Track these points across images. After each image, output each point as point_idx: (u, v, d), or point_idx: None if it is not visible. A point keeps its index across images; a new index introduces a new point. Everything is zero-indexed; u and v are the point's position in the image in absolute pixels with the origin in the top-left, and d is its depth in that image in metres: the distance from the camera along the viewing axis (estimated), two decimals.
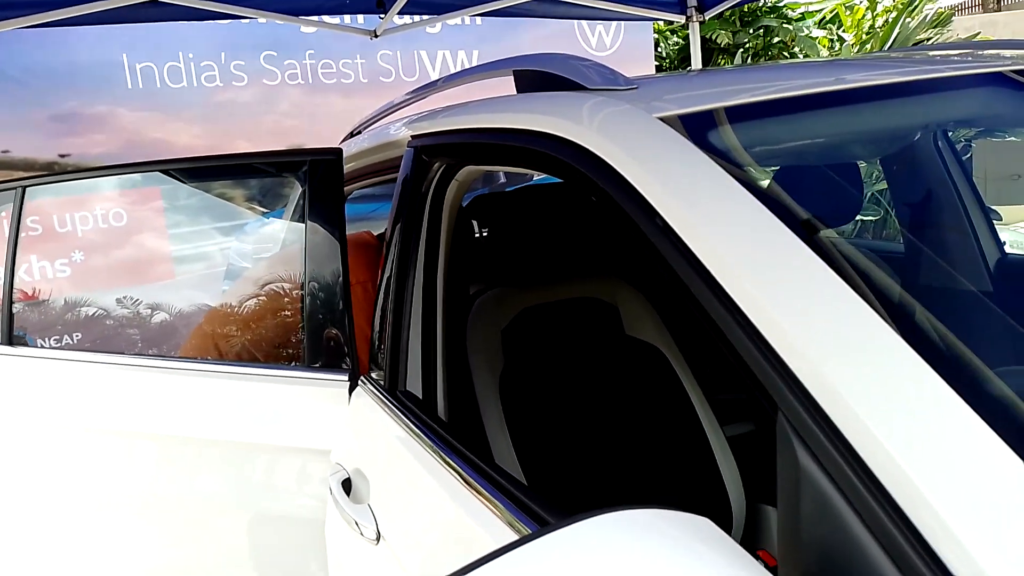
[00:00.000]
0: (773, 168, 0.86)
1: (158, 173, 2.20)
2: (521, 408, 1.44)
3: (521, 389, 1.46)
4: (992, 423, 0.48)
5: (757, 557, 1.52)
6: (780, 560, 0.53)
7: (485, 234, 2.67)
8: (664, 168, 0.74)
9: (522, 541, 0.49)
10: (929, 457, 0.48)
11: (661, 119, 0.80)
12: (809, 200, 0.73)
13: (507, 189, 3.80)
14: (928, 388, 0.51)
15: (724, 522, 1.49)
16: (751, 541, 1.54)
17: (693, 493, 1.51)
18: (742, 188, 0.67)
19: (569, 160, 0.87)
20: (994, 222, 1.58)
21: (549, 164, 0.96)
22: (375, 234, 2.54)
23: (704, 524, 0.51)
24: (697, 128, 0.79)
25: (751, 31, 6.85)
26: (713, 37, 6.74)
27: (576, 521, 0.50)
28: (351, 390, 1.35)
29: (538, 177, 4.16)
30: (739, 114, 0.84)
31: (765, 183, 0.67)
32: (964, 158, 1.59)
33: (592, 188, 0.83)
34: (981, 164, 1.69)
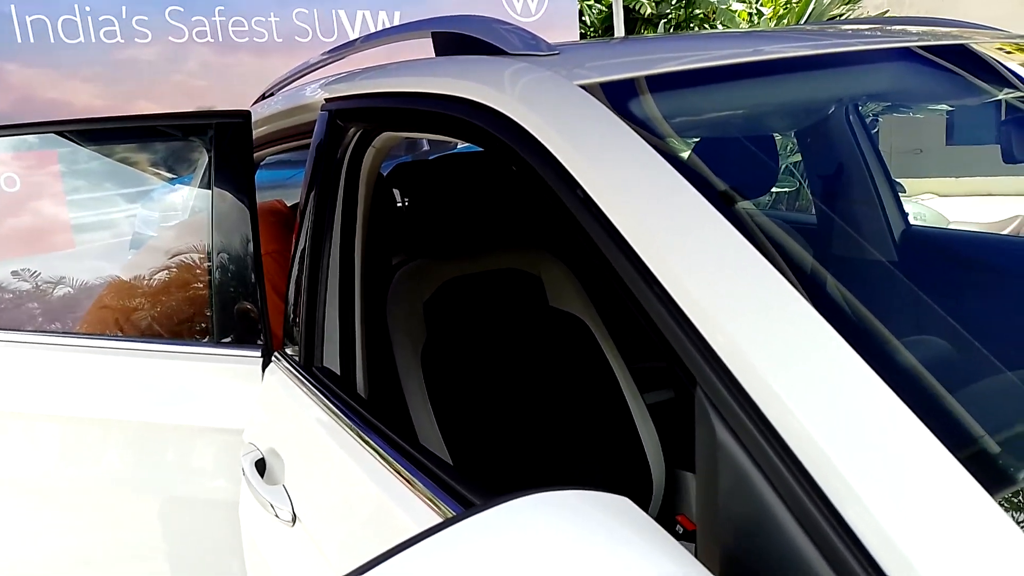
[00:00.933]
0: (694, 139, 0.85)
1: (53, 135, 2.05)
2: (444, 382, 1.42)
3: (444, 363, 1.44)
4: (901, 392, 0.49)
5: (676, 522, 1.56)
6: (699, 533, 0.53)
7: (407, 203, 2.61)
8: (584, 138, 0.72)
9: (440, 527, 0.47)
10: (843, 430, 0.48)
11: (582, 87, 0.78)
12: (728, 172, 0.73)
13: (430, 157, 3.73)
14: (842, 360, 0.51)
15: (644, 488, 1.52)
16: (670, 507, 1.58)
17: (615, 461, 1.53)
18: (662, 159, 0.66)
19: (487, 127, 0.84)
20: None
21: (467, 131, 0.92)
22: (288, 204, 2.45)
23: (624, 504, 0.50)
24: (618, 97, 0.77)
25: (673, 2, 6.90)
26: (636, 7, 6.75)
27: (494, 505, 0.48)
28: (264, 366, 1.29)
29: (461, 145, 4.10)
30: (660, 83, 0.82)
31: (685, 154, 0.66)
32: (872, 132, 1.64)
33: (511, 157, 0.80)
34: (887, 139, 1.74)
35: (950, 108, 1.82)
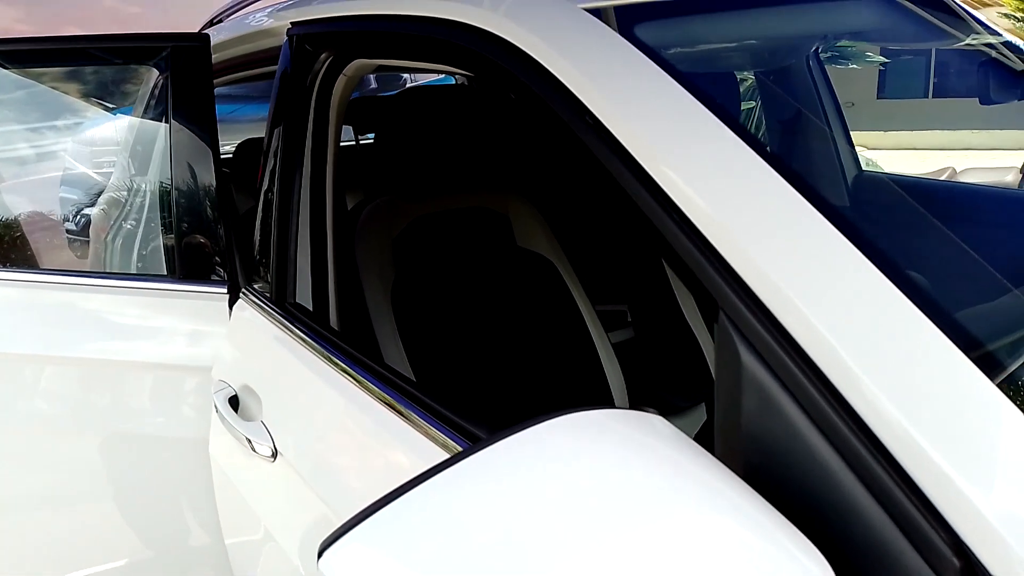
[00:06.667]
0: (703, 66, 0.84)
1: None
2: (414, 319, 1.40)
3: (414, 300, 1.42)
4: (921, 305, 0.50)
5: None
6: (720, 456, 0.54)
7: (363, 141, 2.53)
8: (592, 62, 0.71)
9: (474, 450, 0.47)
10: (868, 345, 0.49)
11: (586, 10, 0.76)
12: (735, 101, 0.72)
13: (380, 95, 3.62)
14: (866, 278, 0.52)
15: None
16: None
17: (580, 399, 1.56)
18: (679, 85, 0.65)
19: (485, 53, 0.81)
20: None
21: (458, 57, 0.90)
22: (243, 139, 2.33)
23: (655, 420, 0.51)
24: (624, 20, 0.76)
25: None
26: None
27: (528, 427, 0.48)
28: (231, 303, 1.25)
29: (411, 83, 3.99)
30: (665, 9, 0.81)
31: (700, 81, 0.66)
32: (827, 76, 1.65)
33: (511, 83, 0.78)
34: None
35: (885, 60, 1.86)
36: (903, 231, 0.73)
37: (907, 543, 0.45)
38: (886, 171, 1.86)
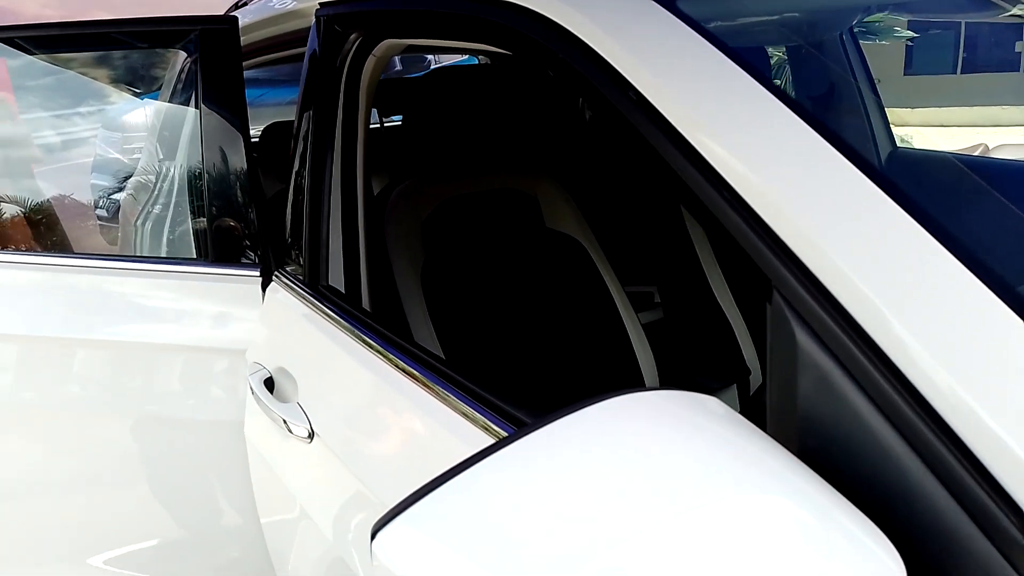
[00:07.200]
0: (752, 39, 0.82)
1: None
2: (444, 301, 1.40)
3: (443, 282, 1.42)
4: (1002, 295, 0.48)
5: None
6: (772, 438, 0.53)
7: (388, 124, 2.52)
8: (636, 37, 0.69)
9: (530, 429, 0.46)
10: (934, 323, 0.48)
11: None
12: (789, 76, 0.70)
13: (404, 76, 3.61)
14: (931, 256, 0.50)
15: None
16: None
17: (611, 381, 1.55)
18: (727, 58, 0.63)
19: (522, 30, 0.80)
20: None
21: (493, 34, 0.88)
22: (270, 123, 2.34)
23: (712, 402, 0.50)
24: None
25: None
26: None
27: (582, 407, 0.48)
28: (264, 286, 1.25)
29: (435, 64, 3.97)
30: None
31: (749, 55, 0.64)
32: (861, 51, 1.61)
33: (550, 61, 0.77)
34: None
35: (913, 35, 1.81)
36: (960, 208, 0.71)
37: (976, 528, 0.43)
38: (919, 148, 1.81)
